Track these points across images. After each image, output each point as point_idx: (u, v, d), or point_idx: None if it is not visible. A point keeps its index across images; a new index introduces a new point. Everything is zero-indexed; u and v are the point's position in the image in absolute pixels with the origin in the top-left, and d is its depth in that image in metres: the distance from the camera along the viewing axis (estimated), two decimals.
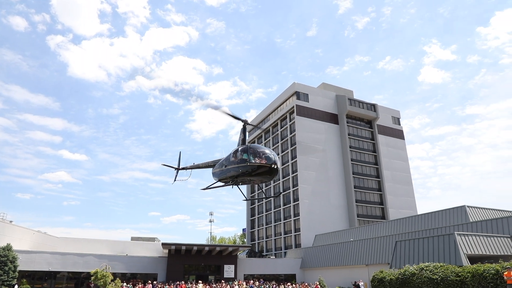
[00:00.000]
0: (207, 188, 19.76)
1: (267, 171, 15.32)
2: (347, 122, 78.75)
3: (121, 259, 42.27)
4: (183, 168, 24.26)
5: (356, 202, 72.89)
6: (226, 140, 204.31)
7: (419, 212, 72.04)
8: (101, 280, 31.54)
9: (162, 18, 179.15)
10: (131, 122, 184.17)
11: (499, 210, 40.56)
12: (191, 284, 39.35)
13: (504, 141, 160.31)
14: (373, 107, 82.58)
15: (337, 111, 79.54)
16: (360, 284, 35.72)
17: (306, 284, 43.24)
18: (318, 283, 42.29)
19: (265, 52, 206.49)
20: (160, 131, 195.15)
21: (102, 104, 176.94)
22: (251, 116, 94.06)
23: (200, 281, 40.60)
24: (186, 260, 45.92)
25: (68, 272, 39.50)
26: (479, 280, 20.03)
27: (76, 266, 39.48)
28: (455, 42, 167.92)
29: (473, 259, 26.78)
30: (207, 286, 39.73)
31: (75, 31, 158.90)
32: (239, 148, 16.65)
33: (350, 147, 77.17)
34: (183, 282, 40.30)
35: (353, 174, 75.03)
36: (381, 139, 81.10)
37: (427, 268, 23.42)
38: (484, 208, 39.92)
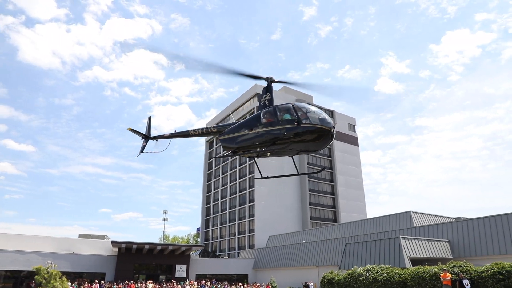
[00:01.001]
0: (225, 155, 15.92)
1: (325, 137, 12.04)
2: None
3: (67, 257, 40.26)
4: (155, 138, 18.47)
5: (310, 204, 74.75)
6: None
7: (368, 216, 75.16)
8: (45, 275, 29.78)
9: (124, 8, 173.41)
10: (85, 115, 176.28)
11: (439, 216, 43.34)
12: (140, 284, 38.37)
13: (447, 153, 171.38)
14: (331, 113, 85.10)
15: None
16: (310, 284, 36.65)
17: (258, 284, 43.65)
18: (269, 283, 42.86)
19: (229, 52, 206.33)
20: (116, 125, 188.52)
21: (55, 93, 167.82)
22: (211, 114, 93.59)
23: (150, 281, 39.71)
24: (136, 259, 44.70)
25: (6, 271, 37.04)
26: (418, 281, 21.31)
27: (15, 264, 37.06)
28: (410, 57, 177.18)
29: (415, 261, 28.40)
30: (157, 286, 38.94)
31: (28, 13, 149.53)
32: (279, 106, 12.93)
33: None
34: (132, 281, 39.19)
35: (308, 177, 76.89)
36: (337, 144, 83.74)
37: (373, 270, 24.53)
38: (427, 214, 42.48)
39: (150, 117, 18.92)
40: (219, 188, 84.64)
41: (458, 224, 32.53)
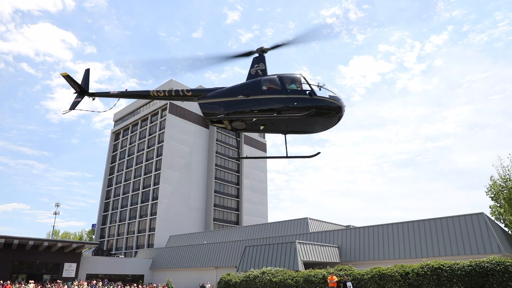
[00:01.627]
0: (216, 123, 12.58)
1: (333, 116, 11.24)
2: (217, 128, 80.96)
3: None
4: (95, 94, 14.64)
5: (214, 206, 75.19)
6: (88, 126, 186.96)
7: (269, 221, 78.56)
8: None
9: None
10: None
11: (332, 223, 47.28)
12: (19, 284, 34.36)
13: (344, 166, 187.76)
14: None
15: None
16: (207, 286, 36.85)
17: (155, 285, 42.39)
18: (166, 284, 41.93)
19: (147, 42, 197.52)
20: (7, 104, 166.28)
21: None
22: (120, 105, 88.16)
23: (31, 281, 35.76)
24: (18, 256, 39.95)
25: None
26: (309, 284, 23.03)
27: None
28: (321, 74, 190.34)
29: (309, 264, 30.53)
30: (40, 287, 35.31)
31: None
32: (285, 75, 11.62)
33: (217, 152, 79.56)
34: (9, 282, 34.89)
35: (215, 179, 77.35)
36: (246, 149, 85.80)
37: (268, 272, 25.71)
38: (322, 221, 46.01)
39: (88, 69, 15.20)
40: (121, 183, 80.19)
41: (347, 232, 35.94)
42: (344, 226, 47.23)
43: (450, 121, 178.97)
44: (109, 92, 14.06)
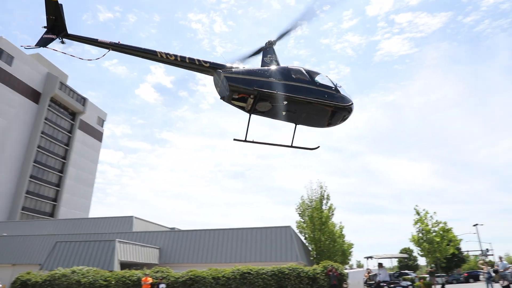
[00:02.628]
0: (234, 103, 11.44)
1: (343, 117, 12.10)
2: (49, 106, 70.91)
3: None
4: (73, 37, 10.21)
5: (26, 193, 65.00)
6: None
7: (91, 216, 72.44)
8: None
9: None
10: None
11: (158, 224, 46.97)
12: None
13: (181, 169, 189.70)
14: (83, 100, 78.83)
15: (42, 90, 70.22)
16: None
17: None
18: None
19: None
20: None
21: None
22: None
23: None
24: None
25: None
26: (121, 285, 22.22)
27: None
28: (175, 74, 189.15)
29: (126, 265, 29.38)
30: None
31: None
32: (309, 70, 11.92)
33: (42, 132, 69.34)
34: None
35: (34, 162, 67.14)
36: (79, 135, 77.74)
37: (79, 271, 23.70)
38: (148, 221, 45.18)
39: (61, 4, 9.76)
40: None
41: (171, 234, 36.31)
42: (169, 228, 47.43)
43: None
44: (97, 39, 10.49)
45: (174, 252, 34.57)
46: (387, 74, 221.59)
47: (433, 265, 38.76)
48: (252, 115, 11.52)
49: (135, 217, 42.51)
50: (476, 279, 47.84)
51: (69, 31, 10.01)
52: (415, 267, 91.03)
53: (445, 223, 35.82)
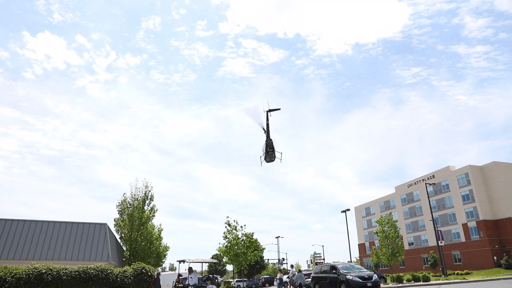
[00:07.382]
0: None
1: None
2: None
3: None
4: None
5: None
6: None
7: None
8: None
9: None
10: None
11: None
12: None
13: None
14: None
15: None
16: None
17: None
18: None
19: None
20: None
21: None
22: None
23: None
24: None
25: None
26: None
27: None
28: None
29: None
30: None
31: None
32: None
33: None
34: None
35: None
36: None
37: None
38: None
39: None
40: None
41: None
42: None
43: (109, 134, 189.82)
44: None
45: None
46: (226, 90, 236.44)
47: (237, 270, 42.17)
48: None
49: None
50: (271, 283, 55.11)
51: None
52: (223, 272, 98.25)
53: (252, 234, 37.61)
